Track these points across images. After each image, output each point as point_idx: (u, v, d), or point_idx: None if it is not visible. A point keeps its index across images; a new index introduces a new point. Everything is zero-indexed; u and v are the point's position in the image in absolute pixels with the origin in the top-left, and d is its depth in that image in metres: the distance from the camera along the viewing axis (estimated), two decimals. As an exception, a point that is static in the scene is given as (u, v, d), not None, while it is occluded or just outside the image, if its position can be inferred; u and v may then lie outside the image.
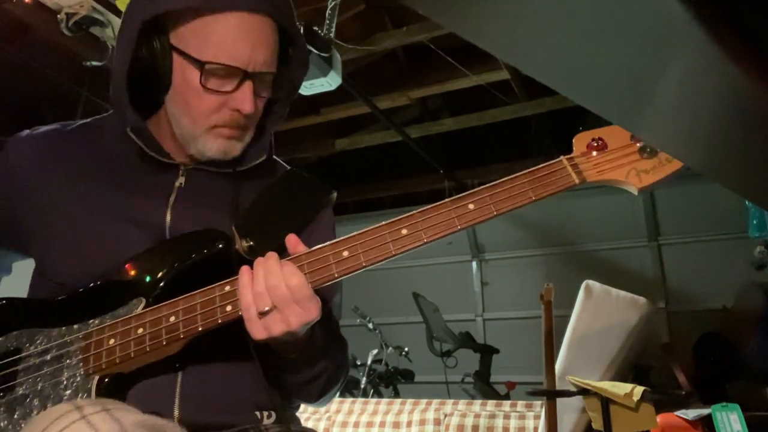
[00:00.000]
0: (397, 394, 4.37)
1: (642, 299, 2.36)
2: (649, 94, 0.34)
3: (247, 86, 0.88)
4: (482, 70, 4.06)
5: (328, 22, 2.65)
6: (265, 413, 0.91)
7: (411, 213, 0.82)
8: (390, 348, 4.49)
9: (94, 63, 2.82)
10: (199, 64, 0.87)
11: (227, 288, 0.82)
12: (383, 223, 0.82)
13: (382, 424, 2.71)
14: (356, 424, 2.75)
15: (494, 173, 5.67)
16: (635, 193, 0.83)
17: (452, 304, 5.24)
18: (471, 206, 0.81)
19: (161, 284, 0.85)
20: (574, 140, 0.84)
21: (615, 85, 0.35)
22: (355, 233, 0.82)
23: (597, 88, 0.36)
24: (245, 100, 0.88)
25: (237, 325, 0.81)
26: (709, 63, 0.30)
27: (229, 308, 0.81)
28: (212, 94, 0.88)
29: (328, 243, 0.83)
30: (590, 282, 2.45)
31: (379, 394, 4.34)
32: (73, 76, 3.37)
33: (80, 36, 2.63)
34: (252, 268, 0.82)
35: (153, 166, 0.96)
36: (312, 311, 0.79)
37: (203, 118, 0.90)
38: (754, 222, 3.64)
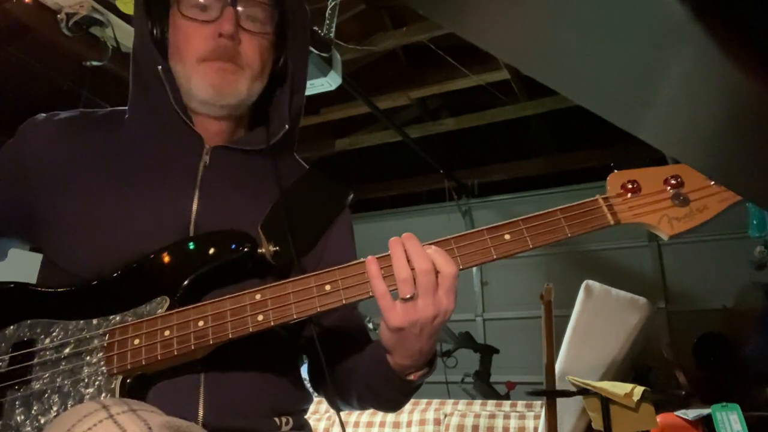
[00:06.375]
0: (397, 394, 4.37)
1: (642, 299, 2.36)
2: (649, 94, 0.34)
3: (229, 11, 0.89)
4: (482, 70, 4.06)
5: (328, 22, 2.65)
6: (284, 419, 0.90)
7: (447, 238, 0.82)
8: (390, 348, 4.47)
9: (94, 63, 2.82)
10: None
11: (258, 297, 0.80)
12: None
13: (382, 424, 2.72)
14: (356, 424, 2.75)
15: (494, 173, 5.69)
16: (666, 238, 0.85)
17: (452, 304, 5.23)
18: (507, 236, 0.82)
19: (185, 284, 0.83)
20: (608, 180, 0.87)
21: (615, 85, 0.35)
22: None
23: (597, 88, 0.36)
24: (224, 20, 0.88)
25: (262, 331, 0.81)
26: (709, 63, 0.30)
27: (260, 318, 0.79)
28: (192, 23, 0.89)
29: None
30: (590, 282, 2.45)
31: (379, 394, 4.33)
32: (73, 76, 3.36)
33: (80, 36, 2.63)
34: (275, 269, 0.85)
35: (176, 146, 0.94)
36: (452, 302, 0.78)
37: (190, 55, 0.90)
38: (754, 222, 3.64)
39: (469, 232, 0.83)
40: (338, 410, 0.93)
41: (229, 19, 0.88)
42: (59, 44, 2.91)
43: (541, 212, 0.83)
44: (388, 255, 0.79)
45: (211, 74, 0.89)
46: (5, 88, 3.15)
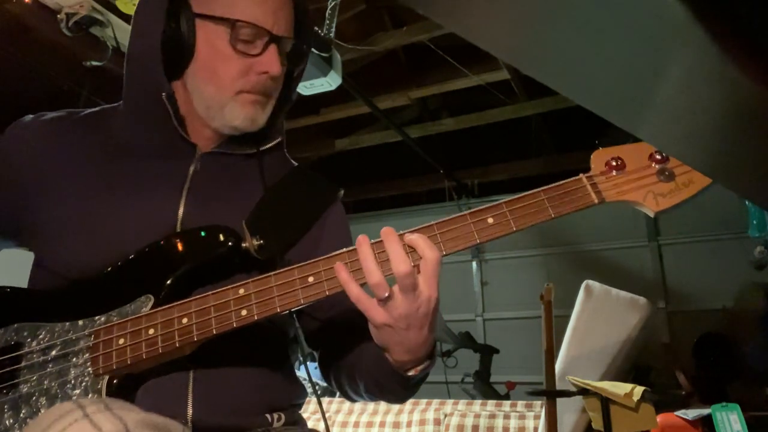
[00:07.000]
0: (397, 394, 4.36)
1: (642, 299, 2.36)
2: (649, 94, 0.34)
3: (273, 48, 0.90)
4: (482, 70, 4.06)
5: (328, 22, 2.65)
6: (275, 415, 0.90)
7: (430, 224, 0.80)
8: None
9: (94, 63, 2.81)
10: (230, 23, 0.87)
11: (241, 291, 0.80)
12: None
13: (382, 424, 2.71)
14: (356, 424, 2.75)
15: (494, 173, 5.69)
16: (651, 215, 0.83)
17: (452, 304, 5.23)
18: (490, 220, 0.80)
19: (169, 281, 0.83)
20: (592, 157, 0.84)
21: (615, 85, 0.35)
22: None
23: (597, 89, 0.36)
24: (272, 61, 0.89)
25: (248, 326, 0.80)
26: (709, 63, 0.30)
27: (244, 312, 0.79)
28: (240, 56, 0.89)
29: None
30: (590, 282, 2.45)
31: (379, 394, 4.32)
32: (73, 76, 3.36)
33: (80, 36, 2.63)
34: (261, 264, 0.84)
35: (166, 151, 0.94)
36: (435, 289, 0.77)
37: (230, 84, 0.90)
38: (754, 222, 3.64)
39: (452, 217, 0.81)
40: (350, 399, 0.94)
41: (276, 59, 0.90)
42: (59, 44, 2.92)
43: (525, 194, 0.81)
44: (379, 241, 0.78)
45: (248, 106, 0.91)
46: (5, 88, 3.15)
